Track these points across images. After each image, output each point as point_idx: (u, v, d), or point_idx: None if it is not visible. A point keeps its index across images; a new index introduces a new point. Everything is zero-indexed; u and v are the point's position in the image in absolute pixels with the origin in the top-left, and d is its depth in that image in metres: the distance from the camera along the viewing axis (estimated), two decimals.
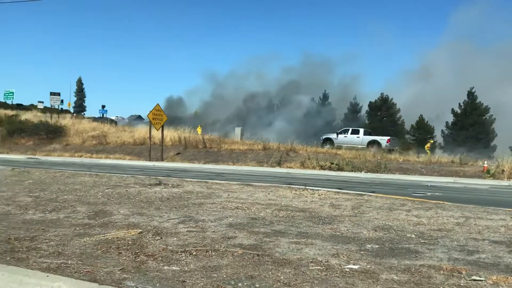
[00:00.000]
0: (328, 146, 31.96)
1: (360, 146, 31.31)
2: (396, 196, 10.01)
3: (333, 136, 34.14)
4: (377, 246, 4.97)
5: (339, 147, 31.24)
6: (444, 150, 48.05)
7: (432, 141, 38.57)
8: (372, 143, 31.75)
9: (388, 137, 32.34)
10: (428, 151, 32.46)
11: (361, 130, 33.88)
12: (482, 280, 3.76)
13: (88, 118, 57.17)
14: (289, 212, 7.19)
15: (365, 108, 64.44)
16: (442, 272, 3.96)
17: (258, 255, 4.41)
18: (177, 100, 72.23)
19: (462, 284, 3.63)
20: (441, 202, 9.12)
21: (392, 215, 7.17)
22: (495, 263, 4.36)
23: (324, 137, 35.00)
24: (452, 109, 56.34)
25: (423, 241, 5.31)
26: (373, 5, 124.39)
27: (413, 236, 5.59)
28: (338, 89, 67.27)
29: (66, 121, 43.63)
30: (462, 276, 3.86)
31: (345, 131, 34.11)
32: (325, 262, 4.22)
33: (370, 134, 34.12)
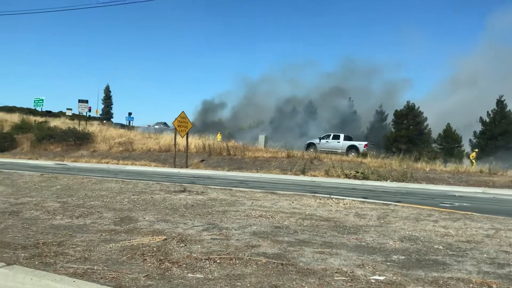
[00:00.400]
0: (311, 150, 33.20)
1: (340, 151, 32.83)
2: (422, 206, 9.83)
3: (316, 141, 35.70)
4: (403, 257, 4.88)
5: (364, 155, 30.98)
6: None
7: (476, 150, 38.11)
8: (350, 147, 33.12)
9: (365, 142, 33.97)
10: (473, 160, 32.09)
11: (341, 136, 35.25)
12: None
13: (115, 124, 58.06)
14: (313, 221, 7.14)
15: (391, 116, 63.76)
16: (471, 285, 3.86)
17: (282, 264, 4.38)
18: (216, 104, 72.74)
19: None
20: (469, 213, 8.91)
21: (419, 225, 7.04)
22: None
23: (308, 142, 36.65)
24: (481, 117, 55.24)
25: (451, 252, 5.19)
26: (403, 11, 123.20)
27: (441, 247, 5.47)
28: (363, 97, 66.66)
29: (93, 128, 44.44)
30: None
31: (327, 136, 35.62)
32: (350, 272, 4.17)
33: (350, 139, 35.28)
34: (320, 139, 35.22)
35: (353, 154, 31.46)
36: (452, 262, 4.71)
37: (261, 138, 38.67)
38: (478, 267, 4.52)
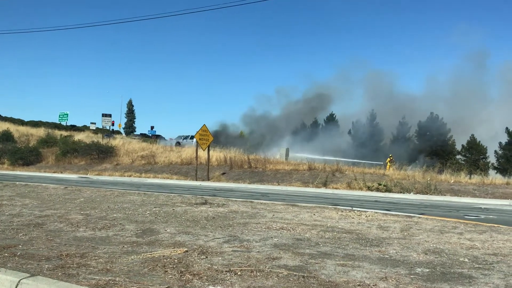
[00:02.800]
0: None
1: None
2: (447, 219, 9.64)
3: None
4: (427, 270, 4.78)
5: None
6: (498, 171, 46.10)
7: (391, 156, 38.73)
8: None
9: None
10: (388, 164, 32.73)
11: None
12: None
13: (135, 135, 58.62)
14: (335, 233, 7.06)
15: (414, 127, 63.05)
16: None
17: (303, 276, 4.34)
18: (228, 125, 73.14)
19: None
20: (496, 225, 8.70)
21: (444, 238, 6.90)
22: None
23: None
24: (507, 128, 54.16)
25: (477, 265, 5.06)
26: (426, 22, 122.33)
27: (466, 260, 5.34)
28: (386, 109, 66.07)
29: (116, 141, 45.06)
30: None
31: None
32: (373, 285, 4.10)
33: None
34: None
35: None
36: (478, 275, 4.59)
37: (282, 150, 38.69)
38: (505, 281, 4.39)
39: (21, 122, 62.66)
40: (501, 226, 8.53)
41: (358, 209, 10.82)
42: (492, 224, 8.85)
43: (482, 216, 11.80)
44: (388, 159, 37.72)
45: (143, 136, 54.23)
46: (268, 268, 4.62)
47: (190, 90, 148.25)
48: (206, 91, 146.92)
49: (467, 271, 4.77)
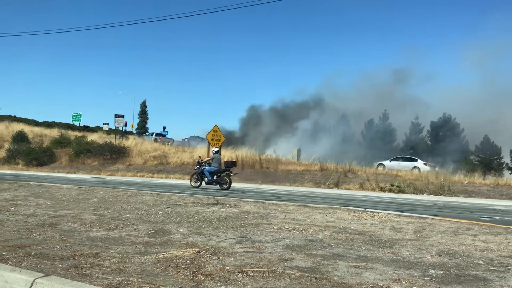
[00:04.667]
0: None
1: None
2: (461, 220, 9.53)
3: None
4: (441, 272, 4.73)
5: (399, 169, 30.58)
6: None
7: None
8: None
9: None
10: None
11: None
12: None
13: (147, 135, 58.97)
14: (347, 234, 7.02)
15: (427, 128, 62.57)
16: None
17: (315, 278, 4.32)
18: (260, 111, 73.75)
19: None
20: (511, 227, 8.58)
21: (458, 239, 6.83)
22: None
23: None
24: None
25: (492, 268, 5.00)
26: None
27: (481, 262, 5.28)
28: (399, 108, 65.59)
29: (129, 142, 45.31)
30: None
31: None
32: (386, 287, 4.07)
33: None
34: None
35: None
36: (494, 278, 4.53)
37: (294, 151, 38.63)
38: None
39: (35, 123, 63.31)
40: None
41: (371, 210, 10.75)
42: (508, 226, 8.74)
43: (497, 218, 11.66)
44: None
45: (158, 135, 54.60)
46: (280, 269, 4.61)
47: (203, 90, 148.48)
48: (220, 91, 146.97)
49: (482, 274, 4.71)
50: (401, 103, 68.03)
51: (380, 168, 33.97)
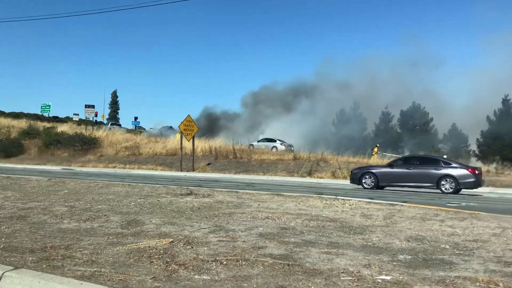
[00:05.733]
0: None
1: None
2: (429, 206, 9.80)
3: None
4: (410, 257, 4.88)
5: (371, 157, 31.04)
6: (479, 159, 46.89)
7: (378, 145, 40.45)
8: None
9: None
10: (374, 154, 33.62)
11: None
12: None
13: (122, 128, 58.53)
14: (319, 222, 7.14)
15: (397, 116, 63.56)
16: (478, 284, 3.85)
17: (288, 265, 4.39)
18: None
19: None
20: (476, 212, 8.88)
21: (425, 225, 7.03)
22: None
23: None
24: (488, 116, 55.01)
25: (457, 252, 5.18)
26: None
27: (448, 247, 5.46)
28: (369, 98, 66.37)
29: (100, 132, 44.61)
30: None
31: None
32: (357, 272, 4.17)
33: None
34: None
35: None
36: (459, 261, 4.70)
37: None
38: (485, 266, 4.50)
39: (1, 114, 61.60)
40: (481, 213, 8.71)
41: (342, 197, 10.94)
42: (473, 211, 9.03)
43: (463, 204, 12.03)
44: (376, 148, 38.23)
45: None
46: (254, 257, 4.66)
47: (175, 81, 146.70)
48: (191, 79, 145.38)
49: (448, 257, 4.88)
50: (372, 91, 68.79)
51: (251, 147, 38.08)
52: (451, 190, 17.35)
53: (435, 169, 18.23)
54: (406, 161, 19.65)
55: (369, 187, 18.68)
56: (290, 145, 41.97)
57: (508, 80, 57.08)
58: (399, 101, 63.37)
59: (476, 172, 18.06)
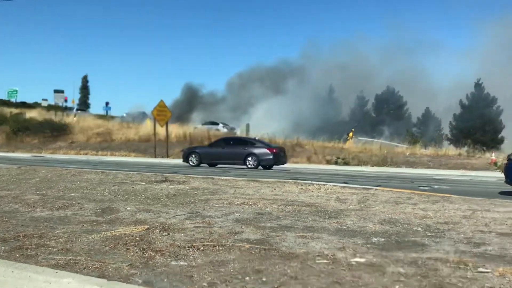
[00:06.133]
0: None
1: None
2: (402, 190, 10.00)
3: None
4: (383, 239, 4.98)
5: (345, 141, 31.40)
6: (452, 143, 47.94)
7: (353, 130, 41.43)
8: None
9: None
10: (349, 139, 34.63)
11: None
12: (488, 272, 3.76)
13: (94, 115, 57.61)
14: (295, 206, 7.21)
15: (371, 101, 64.27)
16: (448, 264, 3.97)
17: (265, 249, 4.43)
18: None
19: (468, 276, 3.64)
20: (448, 195, 9.10)
21: (398, 208, 7.17)
22: (502, 255, 4.36)
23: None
24: (460, 100, 56.13)
25: (429, 234, 5.31)
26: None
27: (420, 229, 5.59)
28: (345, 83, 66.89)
29: (70, 118, 43.77)
30: (469, 268, 3.86)
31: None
32: (332, 255, 4.24)
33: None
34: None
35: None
36: (431, 243, 4.82)
37: (243, 126, 38.84)
38: (455, 247, 4.64)
39: None
40: (452, 196, 8.93)
41: (318, 182, 11.05)
42: (445, 194, 9.26)
43: (436, 187, 12.32)
44: (351, 133, 38.66)
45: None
46: (230, 243, 4.69)
47: (150, 65, 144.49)
48: (169, 66, 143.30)
49: (420, 239, 5.00)
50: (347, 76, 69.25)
51: (195, 129, 39.42)
52: (254, 165, 21.01)
53: (243, 149, 21.85)
54: (222, 142, 23.30)
55: (194, 164, 21.92)
56: (233, 128, 45.89)
57: (484, 63, 58.29)
58: (377, 84, 64.00)
59: (275, 151, 21.84)
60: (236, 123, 49.10)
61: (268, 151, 21.56)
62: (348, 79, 66.67)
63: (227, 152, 22.03)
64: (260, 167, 21.03)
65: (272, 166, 21.68)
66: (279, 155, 21.73)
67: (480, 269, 3.82)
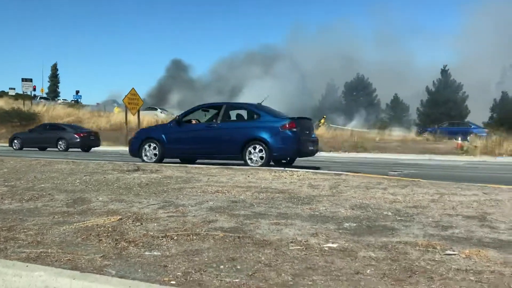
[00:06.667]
0: None
1: None
2: (372, 175, 10.18)
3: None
4: (354, 225, 5.08)
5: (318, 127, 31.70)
6: (420, 128, 48.96)
7: (325, 117, 42.62)
8: None
9: None
10: (321, 125, 35.64)
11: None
12: (455, 254, 3.89)
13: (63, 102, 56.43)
14: (269, 194, 7.26)
15: (341, 88, 64.87)
16: (417, 248, 4.08)
17: (239, 237, 4.46)
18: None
19: (436, 259, 3.76)
20: (416, 179, 9.32)
21: (369, 193, 7.31)
22: (468, 237, 4.51)
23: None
24: (427, 87, 57.29)
25: (399, 218, 5.44)
26: None
27: (390, 213, 5.72)
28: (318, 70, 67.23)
29: (39, 107, 42.72)
30: (437, 251, 3.99)
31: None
32: (305, 241, 4.30)
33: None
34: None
35: None
36: (400, 227, 4.95)
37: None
38: (424, 231, 4.77)
39: None
40: (421, 180, 9.15)
41: (290, 169, 11.14)
42: (413, 179, 9.48)
43: (405, 171, 12.59)
44: (322, 120, 39.07)
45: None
46: (204, 231, 4.70)
47: (119, 51, 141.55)
48: (135, 51, 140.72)
49: (390, 224, 5.12)
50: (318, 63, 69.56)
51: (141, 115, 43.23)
52: (64, 148, 25.32)
53: (56, 134, 25.88)
54: (41, 128, 27.78)
55: (16, 148, 26.46)
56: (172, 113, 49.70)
57: (454, 49, 59.57)
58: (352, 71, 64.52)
59: (82, 135, 26.07)
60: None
61: (76, 135, 25.60)
62: (323, 65, 67.08)
63: (44, 137, 26.03)
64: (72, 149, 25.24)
65: (85, 149, 25.89)
66: (88, 139, 26.09)
67: (448, 252, 3.95)
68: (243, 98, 55.71)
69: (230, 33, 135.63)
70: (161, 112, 49.91)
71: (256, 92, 59.46)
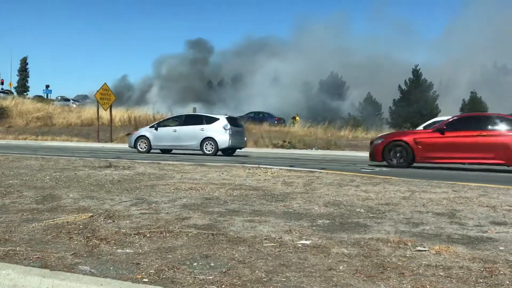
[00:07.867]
0: None
1: None
2: (345, 172, 10.29)
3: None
4: (328, 222, 5.12)
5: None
6: (392, 126, 49.83)
7: (297, 115, 43.99)
8: None
9: None
10: (293, 123, 36.71)
11: None
12: (425, 250, 3.97)
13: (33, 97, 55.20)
14: (242, 191, 7.25)
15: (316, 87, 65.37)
16: (389, 244, 4.15)
17: (212, 234, 4.44)
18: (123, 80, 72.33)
19: (407, 255, 3.82)
20: (388, 177, 9.46)
21: (342, 191, 7.38)
22: (438, 233, 4.61)
23: None
24: (399, 85, 58.27)
25: (371, 215, 5.52)
26: None
27: (362, 210, 5.79)
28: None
29: (7, 102, 41.60)
30: (408, 247, 4.06)
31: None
32: (279, 238, 4.32)
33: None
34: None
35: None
36: (372, 224, 5.01)
37: (190, 109, 38.46)
38: (395, 227, 4.85)
39: None
40: (392, 177, 9.30)
41: (265, 166, 11.16)
42: (385, 176, 9.61)
43: (377, 169, 12.77)
44: (297, 117, 39.37)
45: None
46: (178, 229, 4.66)
47: (90, 47, 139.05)
48: (105, 44, 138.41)
49: (363, 221, 5.19)
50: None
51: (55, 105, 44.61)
52: None
53: None
54: None
55: None
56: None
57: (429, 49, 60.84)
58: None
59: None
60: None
61: None
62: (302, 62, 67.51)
63: None
64: None
65: None
66: None
67: (418, 248, 4.02)
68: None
69: (228, 27, 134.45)
70: (72, 103, 51.62)
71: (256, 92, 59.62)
